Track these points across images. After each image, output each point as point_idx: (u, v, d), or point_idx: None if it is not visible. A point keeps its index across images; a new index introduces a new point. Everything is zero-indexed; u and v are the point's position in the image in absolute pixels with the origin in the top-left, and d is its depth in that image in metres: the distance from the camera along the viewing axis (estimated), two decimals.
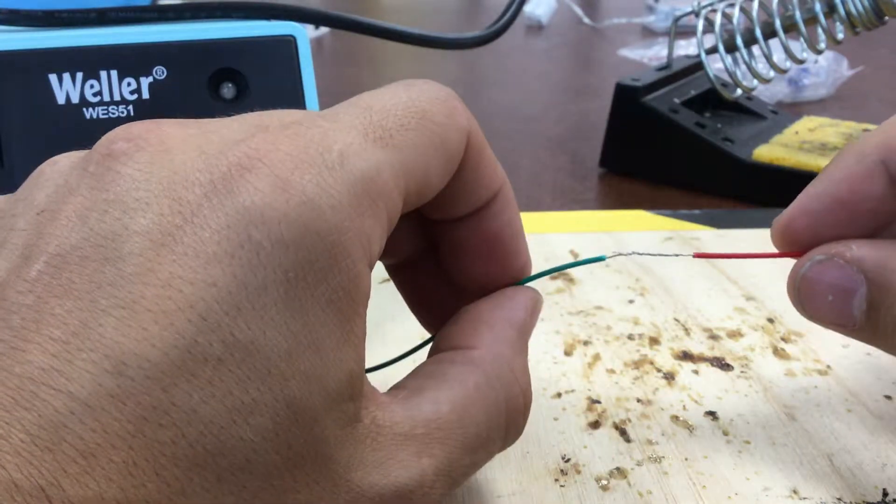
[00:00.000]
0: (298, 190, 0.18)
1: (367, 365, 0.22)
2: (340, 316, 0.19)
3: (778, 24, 0.54)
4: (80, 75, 0.30)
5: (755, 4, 0.55)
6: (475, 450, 0.21)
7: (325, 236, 0.18)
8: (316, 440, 0.18)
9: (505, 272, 0.25)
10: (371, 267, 0.20)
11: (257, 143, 0.19)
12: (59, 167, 0.20)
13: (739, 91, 0.57)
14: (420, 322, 0.27)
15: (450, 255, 0.25)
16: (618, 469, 0.27)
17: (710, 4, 0.56)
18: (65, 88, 0.30)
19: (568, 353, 0.34)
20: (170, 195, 0.18)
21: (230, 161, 0.19)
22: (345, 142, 0.20)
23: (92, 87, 0.30)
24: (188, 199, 0.18)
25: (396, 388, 0.22)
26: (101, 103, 0.30)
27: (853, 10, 0.51)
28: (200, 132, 0.20)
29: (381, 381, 0.23)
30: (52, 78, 0.29)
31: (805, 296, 0.25)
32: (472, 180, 0.23)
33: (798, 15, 0.53)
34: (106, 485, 0.16)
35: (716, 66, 0.57)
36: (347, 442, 0.19)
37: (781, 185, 0.53)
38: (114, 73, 0.30)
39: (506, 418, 0.22)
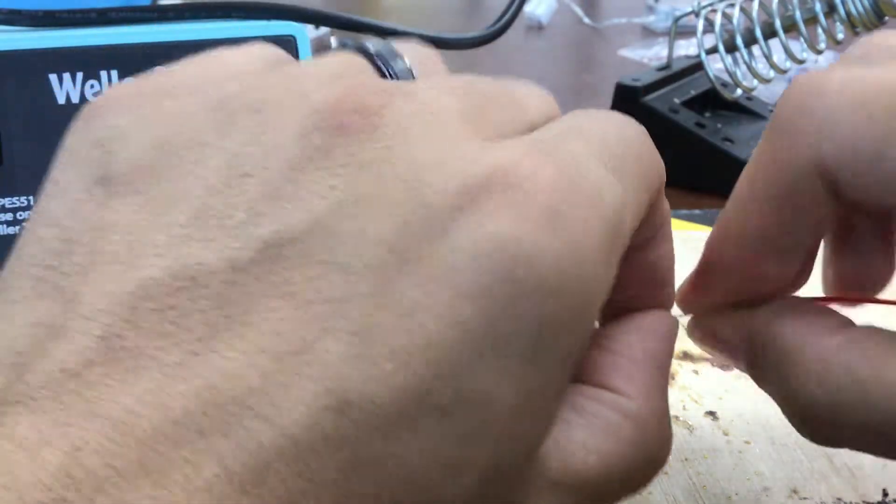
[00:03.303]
0: (568, 228, 0.15)
1: None
2: (566, 376, 0.16)
3: (778, 24, 0.54)
4: (80, 75, 0.30)
5: (755, 4, 0.55)
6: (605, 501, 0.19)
7: (584, 288, 0.15)
8: (509, 497, 0.16)
9: (651, 300, 0.22)
10: None
11: (519, 156, 0.16)
12: (249, 100, 0.16)
13: (739, 91, 0.57)
14: None
15: None
16: None
17: (710, 4, 0.55)
18: (65, 88, 0.30)
19: None
20: (415, 198, 0.15)
21: (488, 169, 0.15)
22: (597, 172, 0.16)
23: (92, 87, 0.30)
24: (437, 208, 0.15)
25: None
26: None
27: (853, 11, 0.51)
28: (435, 112, 0.16)
29: None
30: (52, 78, 0.29)
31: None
32: (649, 216, 0.20)
33: (798, 15, 0.53)
34: None
35: (716, 66, 0.57)
36: (529, 491, 0.17)
37: None
38: (114, 73, 0.30)
39: (643, 475, 0.19)
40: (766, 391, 0.23)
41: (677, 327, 0.22)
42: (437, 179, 0.15)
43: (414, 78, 0.20)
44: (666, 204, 0.21)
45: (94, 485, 0.12)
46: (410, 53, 0.21)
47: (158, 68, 0.18)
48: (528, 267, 0.15)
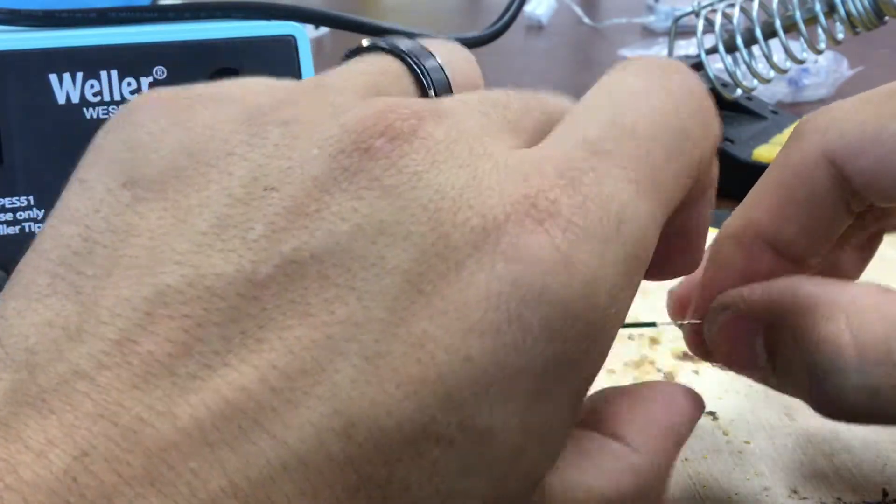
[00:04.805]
0: (581, 267, 0.15)
1: None
2: (574, 412, 0.16)
3: (778, 24, 0.54)
4: (80, 75, 0.30)
5: (755, 4, 0.55)
6: None
7: (595, 326, 0.15)
8: None
9: (679, 266, 0.21)
10: None
11: (540, 187, 0.16)
12: (280, 115, 0.16)
13: (739, 91, 0.57)
14: None
15: None
16: None
17: (710, 4, 0.55)
18: (65, 88, 0.30)
19: None
20: (436, 230, 0.15)
21: (508, 206, 0.15)
22: (621, 200, 0.16)
23: (92, 87, 0.30)
24: (456, 242, 0.15)
25: None
26: (101, 103, 0.30)
27: (853, 10, 0.51)
28: (463, 138, 0.16)
29: None
30: (52, 78, 0.29)
31: (714, 354, 0.24)
32: (697, 184, 0.19)
33: (798, 15, 0.53)
34: None
35: (716, 66, 0.57)
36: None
37: None
38: (114, 73, 0.30)
39: None
40: (784, 379, 0.22)
41: (700, 408, 0.21)
42: (459, 213, 0.15)
43: (447, 78, 0.20)
44: (715, 169, 0.20)
45: (99, 491, 0.12)
46: (442, 53, 0.20)
47: (199, 84, 0.18)
48: (536, 308, 0.15)
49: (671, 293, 0.26)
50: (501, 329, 0.15)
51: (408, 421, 0.14)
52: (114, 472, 0.13)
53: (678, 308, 0.26)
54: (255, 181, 0.15)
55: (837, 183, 0.21)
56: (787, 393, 0.23)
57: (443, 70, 0.20)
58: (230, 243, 0.15)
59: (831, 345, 0.20)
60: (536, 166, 0.16)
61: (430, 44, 0.20)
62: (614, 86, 0.19)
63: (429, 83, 0.20)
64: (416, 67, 0.20)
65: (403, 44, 0.20)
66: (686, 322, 0.25)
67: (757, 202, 0.22)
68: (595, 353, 0.16)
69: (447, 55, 0.20)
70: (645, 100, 0.18)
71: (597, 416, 0.20)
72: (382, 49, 0.20)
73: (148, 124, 0.17)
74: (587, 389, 0.17)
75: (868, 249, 0.25)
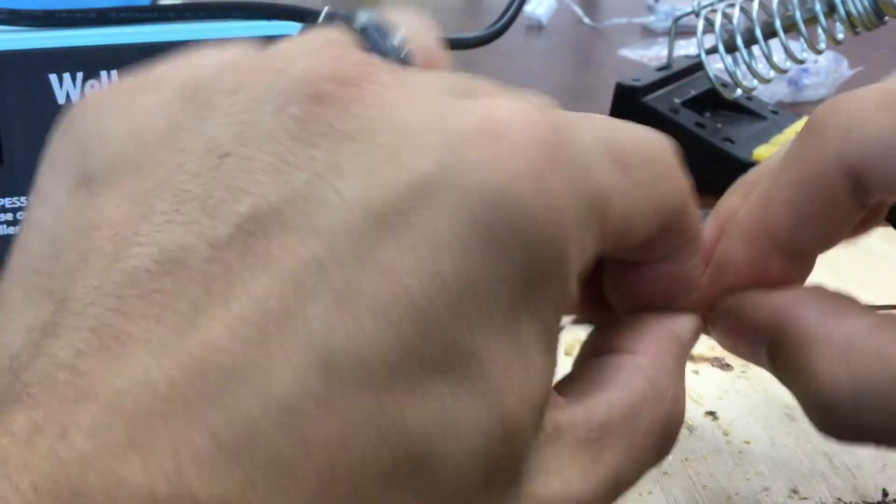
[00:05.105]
0: (549, 186, 0.15)
1: None
2: (548, 327, 0.17)
3: (778, 24, 0.54)
4: (80, 75, 0.30)
5: (755, 4, 0.55)
6: (638, 461, 0.19)
7: (558, 242, 0.16)
8: (516, 458, 0.16)
9: (678, 307, 0.22)
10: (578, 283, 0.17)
11: (513, 107, 0.16)
12: (225, 84, 0.16)
13: (739, 91, 0.57)
14: None
15: (618, 288, 0.22)
16: None
17: (710, 4, 0.55)
18: (65, 88, 0.30)
19: (568, 353, 0.34)
20: (396, 162, 0.15)
21: (476, 120, 0.15)
22: (590, 153, 0.17)
23: (92, 87, 0.30)
24: (419, 169, 0.15)
25: (561, 388, 0.19)
26: None
27: (853, 10, 0.51)
28: (417, 88, 0.16)
29: None
30: (52, 78, 0.29)
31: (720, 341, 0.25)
32: (671, 239, 0.20)
33: (798, 15, 0.53)
34: (298, 503, 0.13)
35: (716, 66, 0.57)
36: (532, 450, 0.17)
37: None
38: (114, 73, 0.30)
39: (663, 433, 0.20)
40: (784, 383, 0.22)
41: (700, 325, 0.22)
42: (420, 140, 0.15)
43: (409, 57, 0.19)
44: (693, 221, 0.21)
45: (82, 463, 0.13)
46: (407, 27, 0.19)
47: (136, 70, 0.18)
48: (507, 222, 0.15)
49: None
50: (473, 246, 0.15)
51: (389, 351, 0.14)
52: (96, 444, 0.13)
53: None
54: (208, 152, 0.15)
55: (856, 188, 0.21)
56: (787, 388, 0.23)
57: (404, 49, 0.19)
58: (190, 215, 0.15)
59: (828, 384, 0.20)
60: (495, 104, 0.16)
61: (396, 16, 0.19)
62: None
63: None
64: (372, 46, 0.19)
65: (363, 16, 0.19)
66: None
67: (770, 203, 0.22)
68: (564, 272, 0.16)
69: (411, 32, 0.20)
70: (609, 119, 0.19)
71: (613, 341, 0.20)
72: (338, 23, 0.19)
73: (93, 121, 0.17)
74: (557, 323, 0.17)
75: (862, 228, 0.25)
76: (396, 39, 0.19)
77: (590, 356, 0.21)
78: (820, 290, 0.22)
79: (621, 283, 0.22)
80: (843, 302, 0.22)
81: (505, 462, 0.16)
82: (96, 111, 0.17)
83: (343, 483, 0.14)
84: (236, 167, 0.15)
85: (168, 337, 0.14)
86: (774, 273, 0.23)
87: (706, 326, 0.24)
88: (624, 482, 0.19)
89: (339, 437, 0.14)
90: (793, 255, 0.22)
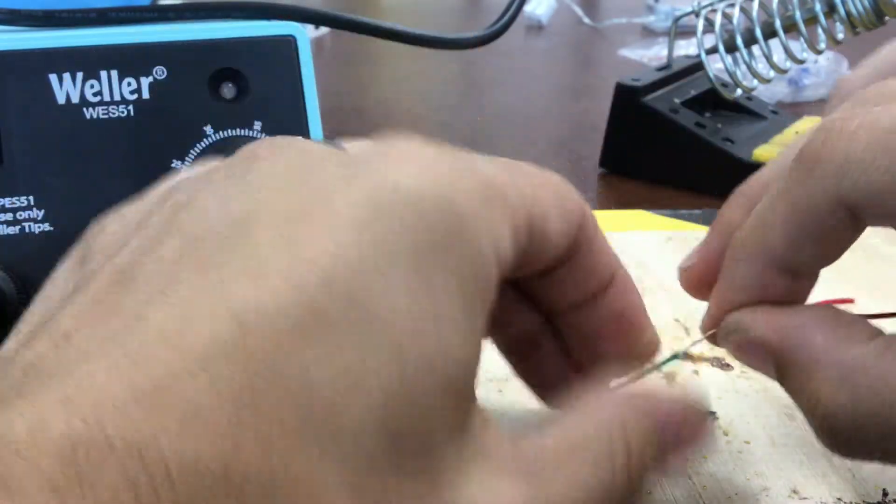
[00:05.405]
0: (437, 173, 0.19)
1: None
2: (463, 293, 0.18)
3: (778, 24, 0.54)
4: (80, 75, 0.30)
5: (755, 4, 0.55)
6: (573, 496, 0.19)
7: (458, 214, 0.18)
8: (423, 431, 0.17)
9: (631, 350, 0.25)
10: (500, 267, 0.19)
11: (401, 144, 0.20)
12: (192, 173, 0.21)
13: (739, 91, 0.57)
14: (533, 393, 0.26)
15: (573, 337, 0.25)
16: None
17: (710, 4, 0.55)
18: (65, 88, 0.30)
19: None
20: (306, 181, 0.18)
21: (373, 151, 0.20)
22: (481, 159, 0.21)
23: (92, 87, 0.30)
24: (325, 182, 0.18)
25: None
26: (101, 103, 0.30)
27: (853, 11, 0.51)
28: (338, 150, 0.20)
29: None
30: (52, 78, 0.29)
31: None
32: (589, 264, 0.23)
33: (798, 15, 0.53)
34: (207, 445, 0.14)
35: (716, 66, 0.57)
36: (457, 452, 0.18)
37: None
38: (114, 73, 0.30)
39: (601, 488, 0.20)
40: (792, 397, 0.23)
41: (694, 421, 0.22)
42: (327, 165, 0.19)
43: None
44: (607, 252, 0.23)
45: (12, 411, 0.14)
46: None
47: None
48: (398, 198, 0.18)
49: (684, 269, 0.26)
50: (371, 223, 0.17)
51: (293, 305, 0.16)
52: (27, 400, 0.15)
53: (695, 285, 0.26)
54: (162, 204, 0.19)
55: (853, 218, 0.21)
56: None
57: None
58: (140, 243, 0.18)
59: (831, 410, 0.21)
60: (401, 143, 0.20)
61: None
62: None
63: None
64: None
65: None
66: (703, 337, 0.26)
67: (768, 226, 0.23)
68: (471, 241, 0.18)
69: None
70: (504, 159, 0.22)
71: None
72: None
73: (96, 231, 0.21)
74: (479, 288, 0.18)
75: None
76: None
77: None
78: (827, 312, 0.23)
79: (572, 335, 0.25)
80: (849, 325, 0.22)
81: (409, 432, 0.17)
82: (106, 224, 0.21)
83: (249, 428, 0.15)
84: (184, 206, 0.19)
85: (106, 319, 0.16)
86: (778, 289, 0.23)
87: (717, 341, 0.25)
88: None
89: (250, 389, 0.15)
90: (793, 273, 0.23)
